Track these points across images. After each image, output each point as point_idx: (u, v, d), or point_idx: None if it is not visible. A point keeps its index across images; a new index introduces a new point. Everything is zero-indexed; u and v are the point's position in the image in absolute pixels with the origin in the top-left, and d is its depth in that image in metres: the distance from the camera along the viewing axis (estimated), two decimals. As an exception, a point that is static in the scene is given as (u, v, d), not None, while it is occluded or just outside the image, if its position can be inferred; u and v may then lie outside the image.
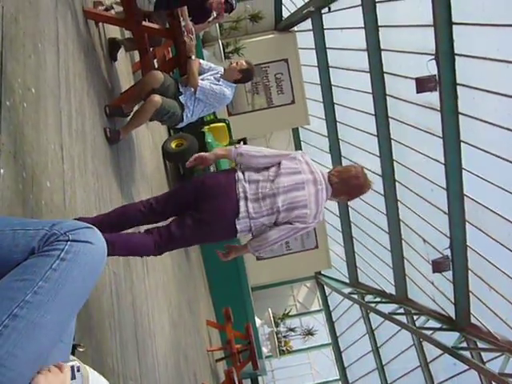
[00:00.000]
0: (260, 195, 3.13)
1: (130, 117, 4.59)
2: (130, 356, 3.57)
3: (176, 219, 3.25)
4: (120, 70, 5.33)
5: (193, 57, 4.69)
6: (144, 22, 4.45)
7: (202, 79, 4.73)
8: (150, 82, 4.42)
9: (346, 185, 3.38)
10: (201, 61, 5.07)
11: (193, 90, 4.62)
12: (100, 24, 4.72)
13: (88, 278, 1.22)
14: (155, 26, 4.60)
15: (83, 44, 3.93)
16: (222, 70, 4.92)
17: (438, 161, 8.89)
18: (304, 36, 12.92)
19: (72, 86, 3.31)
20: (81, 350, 1.51)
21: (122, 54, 5.45)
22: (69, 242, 1.18)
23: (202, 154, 3.39)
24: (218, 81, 4.80)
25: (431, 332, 10.63)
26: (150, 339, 4.32)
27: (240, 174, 3.19)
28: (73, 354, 1.71)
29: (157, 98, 4.33)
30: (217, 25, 11.19)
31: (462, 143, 8.29)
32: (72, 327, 1.33)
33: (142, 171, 5.64)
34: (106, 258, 1.27)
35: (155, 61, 5.80)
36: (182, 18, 4.51)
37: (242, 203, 3.11)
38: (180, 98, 4.61)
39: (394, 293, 12.23)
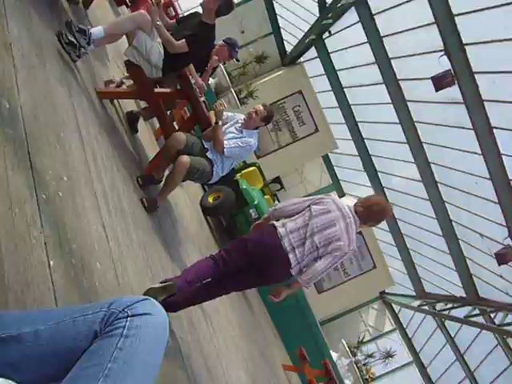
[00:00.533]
0: (302, 240, 3.63)
1: (162, 182, 4.65)
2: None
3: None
4: (143, 139, 5.44)
5: (219, 122, 4.77)
6: (156, 89, 4.55)
7: (226, 137, 4.79)
8: (174, 144, 4.49)
9: (370, 211, 3.85)
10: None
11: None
12: (115, 101, 4.86)
13: (155, 350, 1.20)
14: (167, 90, 4.71)
15: (103, 123, 4.04)
16: (242, 118, 4.98)
17: (474, 152, 8.70)
18: (312, 64, 13.04)
19: (101, 166, 3.38)
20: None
21: (141, 124, 5.58)
22: (129, 318, 1.17)
23: (257, 222, 4.01)
24: (241, 132, 4.86)
25: (513, 327, 10.21)
26: (230, 397, 4.26)
27: (281, 230, 3.66)
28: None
29: (185, 158, 4.39)
30: (225, 74, 11.41)
31: (494, 129, 8.12)
32: None
33: (186, 232, 5.68)
34: (168, 325, 1.26)
35: (175, 123, 5.92)
36: (190, 77, 4.61)
37: (291, 256, 3.62)
38: (207, 154, 4.67)
39: (464, 295, 11.83)
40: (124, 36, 4.42)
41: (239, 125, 4.94)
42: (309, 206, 3.75)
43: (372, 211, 3.86)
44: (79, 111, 3.44)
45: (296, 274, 3.70)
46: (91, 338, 1.18)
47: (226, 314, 5.96)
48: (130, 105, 5.55)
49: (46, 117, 2.71)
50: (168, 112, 5.59)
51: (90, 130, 3.51)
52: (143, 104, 5.78)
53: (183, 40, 4.43)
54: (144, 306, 1.21)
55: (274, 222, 3.78)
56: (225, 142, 4.72)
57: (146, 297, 1.24)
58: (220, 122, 4.79)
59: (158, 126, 6.07)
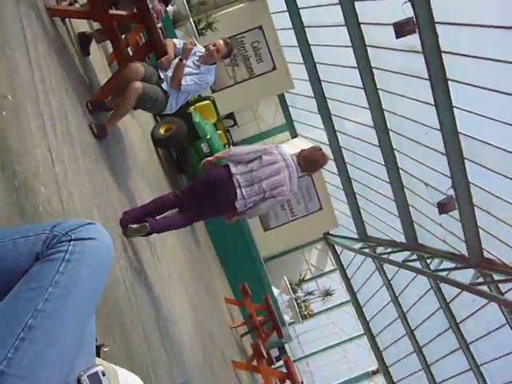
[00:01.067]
0: (250, 182, 4.34)
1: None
2: (156, 346, 3.57)
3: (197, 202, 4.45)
4: (95, 63, 5.23)
5: (184, 61, 4.65)
6: (111, 11, 4.34)
7: (185, 73, 4.69)
8: (131, 75, 4.34)
9: (309, 163, 4.62)
10: (175, 41, 5.00)
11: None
12: (66, 20, 4.61)
13: (98, 275, 1.18)
14: (122, 12, 4.49)
15: (53, 43, 3.84)
16: (200, 50, 4.87)
17: (427, 103, 8.82)
18: (274, 0, 12.71)
19: (49, 87, 3.24)
20: (105, 349, 1.49)
21: (94, 46, 5.34)
22: (72, 242, 1.14)
23: (207, 159, 4.64)
24: (199, 67, 4.77)
25: (447, 273, 10.71)
26: (172, 326, 4.33)
27: (233, 169, 4.36)
28: (98, 355, 1.69)
29: (137, 84, 4.27)
30: (185, 2, 11.00)
31: (448, 81, 8.22)
32: (92, 328, 1.30)
33: (135, 162, 5.59)
34: (112, 252, 1.24)
35: (129, 48, 5.69)
36: (148, 0, 4.40)
37: (238, 191, 4.32)
38: (162, 85, 4.56)
39: (404, 241, 12.28)
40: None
41: (197, 58, 4.84)
42: (260, 156, 4.42)
43: (309, 162, 4.61)
44: (27, 27, 3.25)
45: (241, 207, 4.40)
46: (32, 260, 1.14)
47: (171, 245, 5.99)
48: (82, 25, 5.28)
49: (-10, 29, 2.55)
50: (123, 36, 5.36)
51: (38, 48, 3.33)
52: (97, 26, 5.51)
53: None
54: (88, 231, 1.17)
55: (229, 163, 4.44)
56: (182, 82, 4.65)
57: (91, 221, 1.21)
58: (184, 61, 4.68)
59: (111, 50, 5.83)
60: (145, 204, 4.39)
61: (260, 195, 4.39)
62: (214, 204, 4.42)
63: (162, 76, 4.62)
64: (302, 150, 4.68)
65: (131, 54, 5.06)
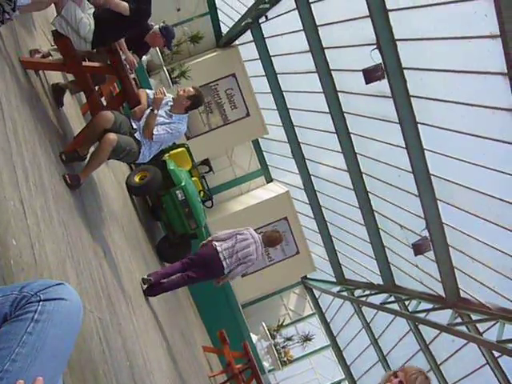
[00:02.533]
0: (230, 255, 6.15)
1: (87, 159, 4.52)
2: (131, 399, 3.48)
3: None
4: (69, 114, 5.25)
5: (155, 111, 4.70)
6: (84, 63, 4.39)
7: (157, 123, 4.75)
8: (101, 123, 4.36)
9: (269, 241, 6.50)
10: (148, 91, 5.06)
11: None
12: (40, 72, 4.65)
13: (67, 335, 1.17)
14: (96, 64, 4.55)
15: (26, 95, 3.86)
16: (171, 99, 4.94)
17: (399, 146, 9.00)
18: (247, 48, 13.00)
19: (22, 138, 3.24)
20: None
21: (68, 98, 5.37)
22: (41, 302, 1.13)
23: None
24: (171, 117, 4.83)
25: (425, 314, 10.71)
26: (148, 378, 4.23)
27: (219, 248, 6.16)
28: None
29: (112, 136, 4.28)
30: (159, 52, 11.16)
31: (418, 124, 8.42)
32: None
33: (110, 211, 5.56)
34: (82, 311, 1.22)
35: (103, 99, 5.74)
36: (121, 52, 4.47)
37: (224, 263, 6.13)
38: (135, 135, 4.59)
39: (381, 282, 12.28)
40: (53, 4, 4.23)
41: (169, 108, 4.90)
42: (235, 235, 6.27)
43: (270, 241, 6.48)
44: (0, 80, 3.27)
45: (226, 272, 6.21)
46: (0, 322, 1.13)
47: (146, 296, 5.90)
48: (56, 77, 5.32)
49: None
50: (96, 87, 5.42)
51: (11, 99, 3.34)
52: (71, 77, 5.57)
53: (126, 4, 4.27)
54: (57, 291, 1.17)
55: (214, 242, 6.25)
56: (154, 131, 4.69)
57: (61, 281, 1.20)
58: (156, 111, 4.73)
59: (85, 101, 5.86)
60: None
61: (237, 263, 6.18)
62: (208, 271, 6.28)
63: (134, 126, 4.65)
64: (265, 232, 6.76)
65: (105, 104, 5.10)
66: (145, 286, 5.89)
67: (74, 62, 4.24)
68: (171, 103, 4.91)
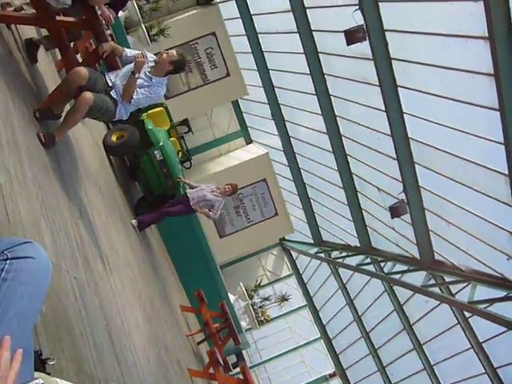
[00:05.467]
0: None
1: (62, 118, 4.43)
2: (108, 358, 3.51)
3: None
4: (43, 70, 5.12)
5: (136, 74, 4.57)
6: (58, 17, 4.25)
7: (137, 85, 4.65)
8: (75, 79, 4.26)
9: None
10: (126, 50, 4.94)
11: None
12: (12, 26, 4.50)
13: (35, 293, 1.15)
14: (70, 19, 4.41)
15: (-3, 50, 3.74)
16: (151, 59, 4.84)
17: (378, 109, 8.99)
18: (227, 6, 12.73)
19: (-7, 95, 3.15)
20: (51, 363, 1.45)
21: (42, 54, 5.23)
22: (8, 261, 1.11)
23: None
24: (151, 79, 4.73)
25: (400, 275, 10.91)
26: (125, 337, 4.26)
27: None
28: (44, 369, 1.65)
29: (88, 95, 4.19)
30: (137, 8, 10.89)
31: (398, 88, 8.39)
32: (30, 344, 1.26)
33: (87, 171, 5.49)
34: (50, 270, 1.20)
35: (78, 55, 5.60)
36: (97, 7, 4.34)
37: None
38: (111, 93, 4.50)
39: (358, 245, 12.44)
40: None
41: (149, 69, 4.80)
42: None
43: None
44: (-31, 33, 3.16)
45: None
46: None
47: (124, 254, 5.90)
48: (30, 33, 5.16)
49: None
50: (72, 43, 5.27)
51: (-19, 55, 3.24)
52: (45, 33, 5.40)
53: None
54: (25, 249, 1.14)
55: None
56: (134, 95, 4.60)
57: (29, 239, 1.18)
58: (137, 75, 4.61)
59: (60, 57, 5.71)
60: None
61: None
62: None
63: (110, 83, 4.55)
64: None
65: (80, 60, 4.98)
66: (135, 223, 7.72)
67: (48, 16, 4.11)
68: (152, 64, 4.81)
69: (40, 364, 1.64)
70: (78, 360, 2.85)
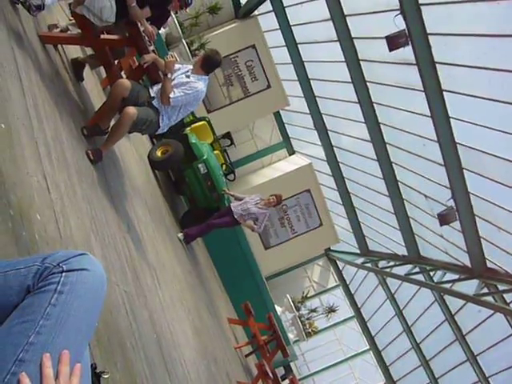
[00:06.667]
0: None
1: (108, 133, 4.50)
2: (159, 371, 3.51)
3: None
4: (89, 88, 5.23)
5: (169, 75, 4.62)
6: (102, 35, 4.34)
7: (173, 83, 4.67)
8: (118, 91, 4.32)
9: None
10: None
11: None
12: (59, 46, 4.62)
13: (91, 306, 1.14)
14: (114, 36, 4.49)
15: (46, 69, 3.84)
16: (192, 68, 4.89)
17: (423, 115, 8.82)
18: (266, 18, 12.80)
19: (43, 113, 3.22)
20: (106, 376, 1.45)
21: (88, 72, 5.35)
22: (64, 273, 1.11)
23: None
24: (188, 77, 4.76)
25: (450, 284, 10.62)
26: (175, 351, 4.27)
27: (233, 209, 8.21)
28: (99, 382, 1.64)
29: (131, 109, 4.25)
30: (177, 24, 11.06)
31: (444, 92, 8.22)
32: (87, 359, 1.26)
33: (133, 185, 5.56)
34: (105, 282, 1.20)
35: (122, 73, 5.70)
36: (139, 24, 4.41)
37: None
38: (153, 102, 4.54)
39: (406, 253, 12.21)
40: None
41: (189, 72, 4.86)
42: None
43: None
44: (19, 55, 3.24)
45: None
46: (23, 294, 1.11)
47: (172, 267, 5.94)
48: (75, 52, 5.29)
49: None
50: (116, 61, 5.37)
51: (31, 75, 3.32)
52: (90, 52, 5.53)
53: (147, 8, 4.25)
54: (80, 261, 1.14)
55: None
56: (171, 95, 4.62)
57: (83, 251, 1.17)
58: (169, 75, 4.65)
59: (105, 75, 5.83)
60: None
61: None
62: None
63: (152, 94, 4.60)
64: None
65: (125, 77, 5.06)
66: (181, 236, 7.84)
67: (92, 36, 4.20)
68: (191, 70, 4.88)
69: (95, 377, 1.64)
70: (131, 373, 2.85)
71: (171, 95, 4.59)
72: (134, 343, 3.17)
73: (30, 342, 1.02)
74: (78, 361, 1.12)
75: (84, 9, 4.17)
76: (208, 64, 4.97)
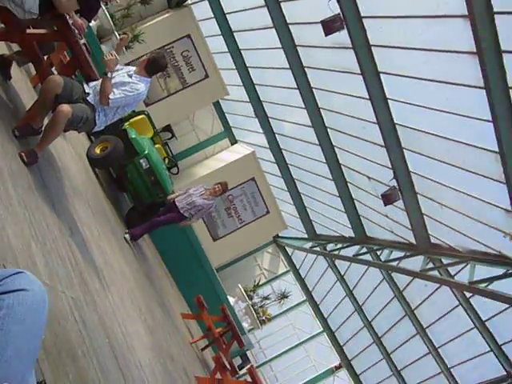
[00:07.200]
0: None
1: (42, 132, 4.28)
2: (114, 376, 3.40)
3: None
4: (18, 87, 4.96)
5: (109, 74, 4.44)
6: (28, 30, 4.11)
7: (113, 81, 4.51)
8: (50, 88, 4.11)
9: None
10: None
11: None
12: (-18, 44, 4.35)
13: (33, 328, 1.03)
14: (41, 31, 4.26)
15: (-31, 69, 3.60)
16: (135, 68, 4.78)
17: (362, 97, 8.91)
18: (200, 7, 12.60)
19: (-31, 116, 3.02)
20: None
21: (15, 70, 5.08)
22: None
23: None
24: (131, 77, 4.61)
25: (397, 262, 10.85)
26: (129, 353, 4.14)
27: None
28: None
29: (65, 107, 4.05)
30: (108, 16, 10.71)
31: (381, 74, 8.32)
32: (33, 380, 1.14)
33: (73, 186, 5.35)
34: (46, 299, 1.08)
35: (53, 69, 5.45)
36: (68, 16, 4.20)
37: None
38: (88, 98, 4.36)
39: (353, 235, 12.38)
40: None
41: (131, 73, 4.73)
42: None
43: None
44: None
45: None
46: None
47: (120, 268, 5.77)
48: (0, 49, 5.01)
49: None
50: (45, 57, 5.13)
51: (-48, 75, 3.10)
52: (16, 48, 5.25)
53: None
54: (16, 281, 1.02)
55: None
56: (111, 96, 4.46)
57: (19, 269, 1.05)
58: (109, 74, 4.48)
59: (34, 72, 5.56)
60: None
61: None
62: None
63: (87, 90, 4.41)
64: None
65: (56, 74, 4.83)
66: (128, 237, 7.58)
67: (18, 30, 3.97)
68: (132, 73, 4.75)
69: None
70: (85, 382, 2.73)
71: (111, 96, 4.44)
72: (86, 351, 3.04)
73: None
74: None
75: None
76: (152, 67, 4.88)
